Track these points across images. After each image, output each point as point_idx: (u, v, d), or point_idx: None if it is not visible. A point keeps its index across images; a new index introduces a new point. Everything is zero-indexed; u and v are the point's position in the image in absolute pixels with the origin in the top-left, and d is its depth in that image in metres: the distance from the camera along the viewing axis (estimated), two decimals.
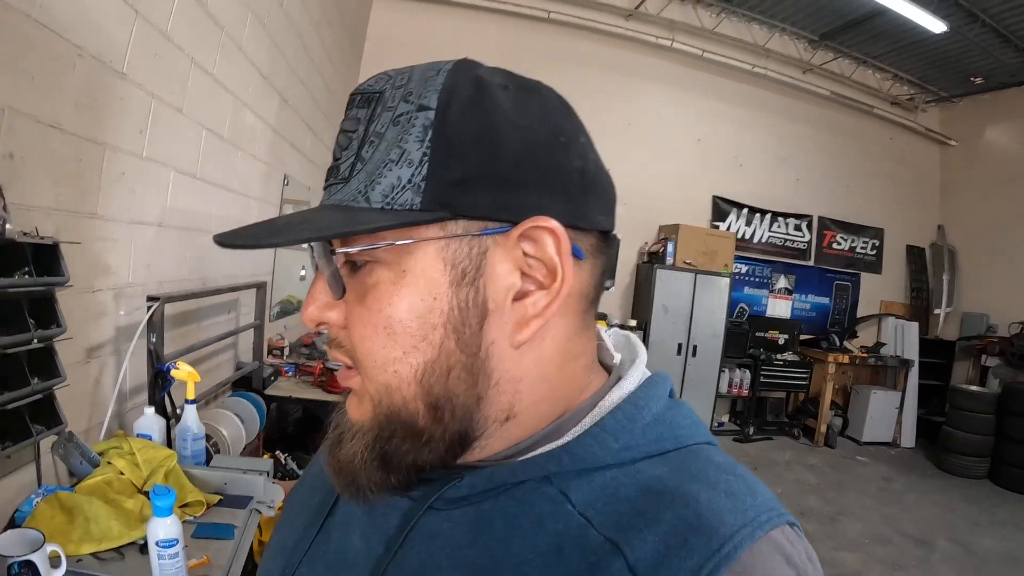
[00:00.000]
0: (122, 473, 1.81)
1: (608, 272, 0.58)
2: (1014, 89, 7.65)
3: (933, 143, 8.82)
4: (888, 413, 7.57)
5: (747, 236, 7.90)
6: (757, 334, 7.46)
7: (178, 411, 2.15)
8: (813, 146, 8.12)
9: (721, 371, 6.99)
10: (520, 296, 0.49)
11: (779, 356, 7.39)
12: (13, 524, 1.56)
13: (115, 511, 1.60)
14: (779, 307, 8.13)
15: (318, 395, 3.42)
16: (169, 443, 2.08)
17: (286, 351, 3.99)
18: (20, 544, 1.36)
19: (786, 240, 8.13)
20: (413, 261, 0.48)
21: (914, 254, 8.81)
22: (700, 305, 6.78)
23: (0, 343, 1.43)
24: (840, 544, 4.53)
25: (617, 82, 7.19)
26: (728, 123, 7.69)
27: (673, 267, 6.75)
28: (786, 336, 7.59)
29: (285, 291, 4.20)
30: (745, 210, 7.88)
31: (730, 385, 7.21)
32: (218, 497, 1.89)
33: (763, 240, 8.01)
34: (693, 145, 7.59)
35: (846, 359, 7.47)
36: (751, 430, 7.16)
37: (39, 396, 1.57)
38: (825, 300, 8.39)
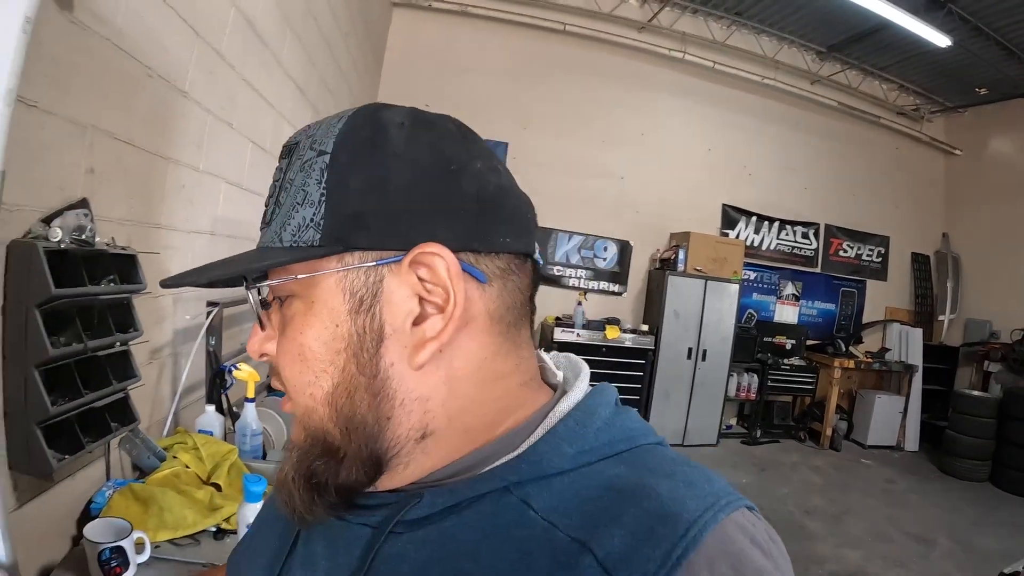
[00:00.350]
0: (187, 466, 1.94)
1: (533, 294, 0.59)
2: (1018, 100, 7.74)
3: (938, 152, 8.89)
4: (892, 417, 7.66)
5: (756, 243, 8.00)
6: (765, 339, 7.56)
7: (234, 409, 2.28)
8: (820, 155, 8.21)
9: (729, 375, 7.07)
10: (419, 320, 0.51)
11: (786, 361, 7.49)
12: (88, 514, 1.69)
13: (188, 501, 1.73)
14: (786, 313, 8.21)
15: None
16: (225, 439, 2.21)
17: None
18: (109, 532, 1.49)
19: (794, 247, 8.23)
20: (318, 292, 0.51)
21: (919, 261, 8.89)
22: (710, 311, 6.87)
23: (91, 346, 1.56)
24: (844, 541, 4.65)
25: (630, 93, 7.31)
26: (738, 133, 7.79)
27: (684, 274, 6.84)
28: (793, 341, 7.68)
29: None
30: (754, 218, 7.98)
31: (738, 389, 7.30)
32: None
33: (771, 247, 8.10)
34: (704, 155, 7.69)
35: (851, 364, 7.56)
36: (758, 433, 7.26)
37: (121, 395, 1.71)
38: (831, 306, 8.47)
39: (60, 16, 1.38)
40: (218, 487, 1.89)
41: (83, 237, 1.53)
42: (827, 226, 8.38)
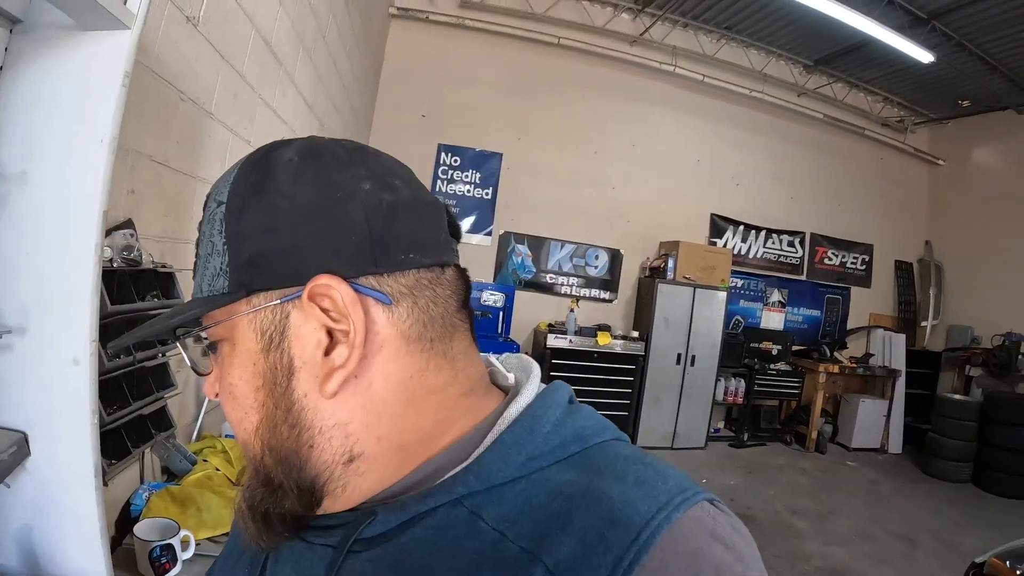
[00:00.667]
0: (217, 469, 2.06)
1: (465, 300, 0.58)
2: (1000, 112, 7.91)
3: (922, 163, 9.08)
4: (876, 420, 7.83)
5: (743, 252, 8.16)
6: (752, 345, 7.68)
7: None
8: (807, 166, 8.38)
9: (717, 380, 7.21)
10: (329, 350, 0.51)
11: (772, 366, 7.63)
12: (128, 515, 1.80)
13: (224, 501, 1.85)
14: (773, 319, 8.38)
15: None
16: None
17: None
18: (158, 531, 1.61)
19: (780, 256, 8.40)
20: (237, 335, 0.53)
21: (902, 269, 9.05)
22: (698, 317, 7.01)
23: (139, 357, 1.68)
24: (830, 540, 4.79)
25: (622, 105, 7.47)
26: (726, 144, 7.95)
27: (673, 281, 6.98)
28: (779, 347, 7.80)
29: None
30: (741, 227, 8.14)
31: (726, 393, 7.43)
32: None
33: (758, 256, 8.28)
34: (693, 165, 7.85)
35: (836, 369, 7.72)
36: (746, 436, 7.40)
37: (163, 403, 1.82)
38: (816, 313, 8.65)
39: None
40: None
41: (132, 256, 1.65)
42: (812, 235, 8.55)
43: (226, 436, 2.20)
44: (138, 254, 1.69)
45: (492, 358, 0.64)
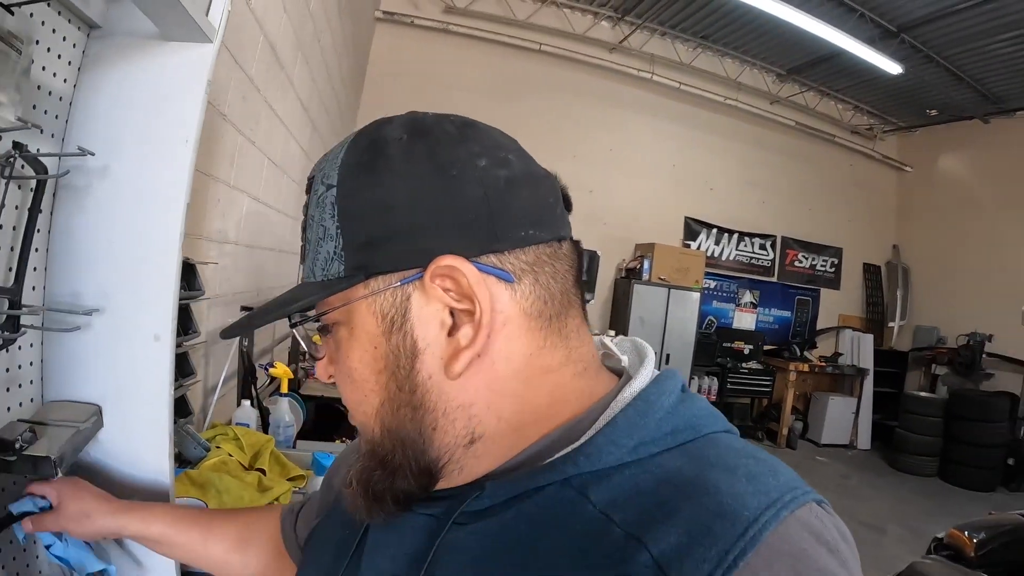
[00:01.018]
0: (230, 455, 2.14)
1: (579, 275, 0.57)
2: (966, 121, 8.14)
3: (890, 169, 9.32)
4: (845, 417, 8.05)
5: (716, 254, 8.36)
6: (724, 344, 7.87)
7: (263, 404, 2.49)
8: (779, 171, 8.59)
9: (691, 378, 7.37)
10: (453, 331, 0.51)
11: (744, 365, 7.82)
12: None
13: (242, 484, 1.94)
14: (745, 320, 8.59)
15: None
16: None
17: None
18: None
19: (752, 258, 8.60)
20: (356, 319, 0.53)
21: (870, 272, 9.28)
22: (673, 317, 7.17)
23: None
24: None
25: (601, 110, 7.62)
26: (701, 150, 8.13)
27: (649, 283, 7.15)
28: (751, 346, 7.99)
29: None
30: (715, 230, 8.33)
31: (699, 391, 7.51)
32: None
33: (731, 258, 8.47)
34: (669, 170, 8.04)
35: (806, 368, 7.95)
36: None
37: (185, 391, 1.91)
38: (787, 313, 8.87)
39: None
40: (263, 471, 2.09)
41: None
42: (784, 238, 8.77)
43: (237, 424, 2.29)
44: None
45: (606, 340, 0.63)
